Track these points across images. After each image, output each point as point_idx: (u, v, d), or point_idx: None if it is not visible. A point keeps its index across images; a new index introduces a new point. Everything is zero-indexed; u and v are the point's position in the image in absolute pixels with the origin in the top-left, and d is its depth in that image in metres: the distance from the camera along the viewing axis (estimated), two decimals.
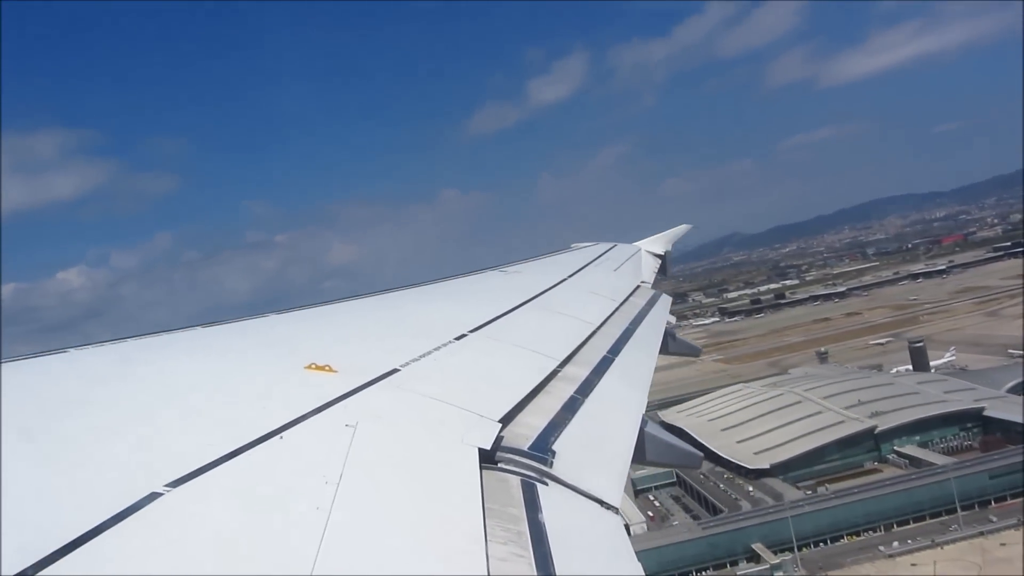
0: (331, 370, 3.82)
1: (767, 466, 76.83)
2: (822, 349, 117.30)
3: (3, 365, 3.57)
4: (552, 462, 3.37)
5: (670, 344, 7.87)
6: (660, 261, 12.82)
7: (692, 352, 8.96)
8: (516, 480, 3.05)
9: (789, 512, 64.86)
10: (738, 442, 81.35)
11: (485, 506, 2.67)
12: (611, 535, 2.93)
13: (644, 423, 4.52)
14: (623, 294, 8.61)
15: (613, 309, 7.56)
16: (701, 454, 5.67)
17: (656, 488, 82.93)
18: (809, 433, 78.88)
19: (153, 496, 2.24)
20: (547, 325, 6.34)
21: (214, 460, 2.54)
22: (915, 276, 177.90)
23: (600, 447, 3.92)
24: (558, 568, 2.38)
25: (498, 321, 5.87)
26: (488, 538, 2.43)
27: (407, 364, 4.22)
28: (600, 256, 11.48)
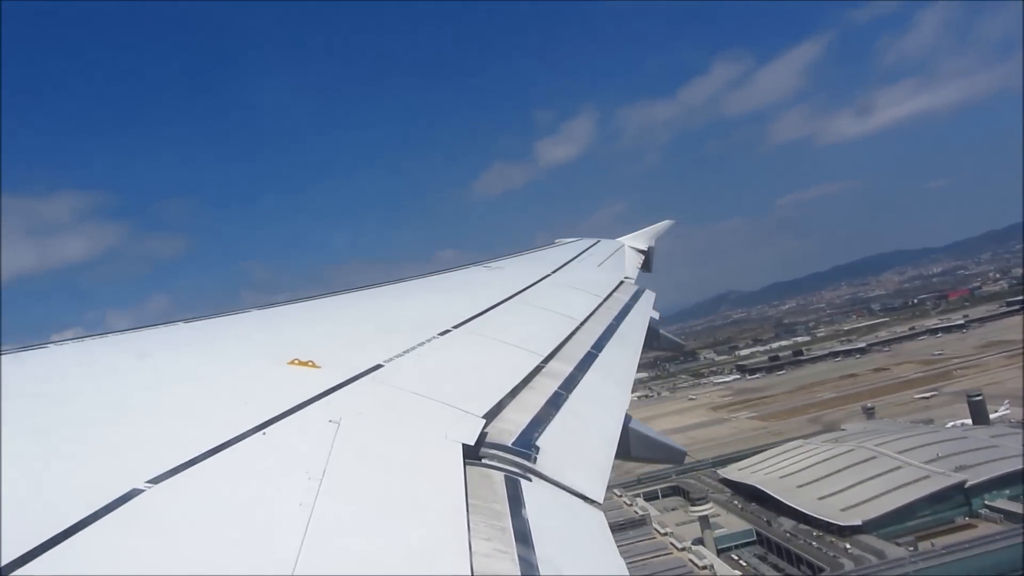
0: (314, 365, 3.80)
1: (859, 522, 74.31)
2: (868, 404, 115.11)
3: None
4: (536, 458, 3.38)
5: (654, 340, 7.89)
6: (644, 257, 12.85)
7: (677, 348, 8.99)
8: (500, 476, 3.05)
9: (902, 569, 63.06)
10: (819, 498, 79.49)
11: (469, 502, 2.67)
12: (594, 531, 2.94)
13: (627, 419, 4.53)
14: (607, 290, 8.63)
15: (597, 305, 7.57)
16: (685, 450, 5.70)
17: (737, 547, 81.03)
18: (896, 488, 77.15)
19: (134, 493, 2.22)
20: (531, 321, 6.34)
21: (196, 456, 2.52)
22: (934, 331, 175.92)
23: (584, 443, 3.93)
24: (541, 564, 2.38)
25: (482, 317, 5.86)
26: (472, 534, 2.43)
27: (391, 359, 4.21)
28: (584, 252, 11.50)
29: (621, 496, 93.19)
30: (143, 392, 3.37)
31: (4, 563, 1.80)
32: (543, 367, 4.87)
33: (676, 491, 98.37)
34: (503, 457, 3.28)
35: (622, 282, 9.53)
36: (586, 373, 5.04)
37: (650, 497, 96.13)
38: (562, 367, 4.99)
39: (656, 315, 8.49)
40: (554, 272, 9.08)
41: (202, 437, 2.69)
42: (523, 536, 2.54)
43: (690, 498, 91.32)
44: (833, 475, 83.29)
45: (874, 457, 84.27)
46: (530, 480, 3.12)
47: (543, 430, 3.76)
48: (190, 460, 2.49)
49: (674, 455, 5.59)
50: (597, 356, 5.58)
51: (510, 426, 3.69)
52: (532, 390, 4.37)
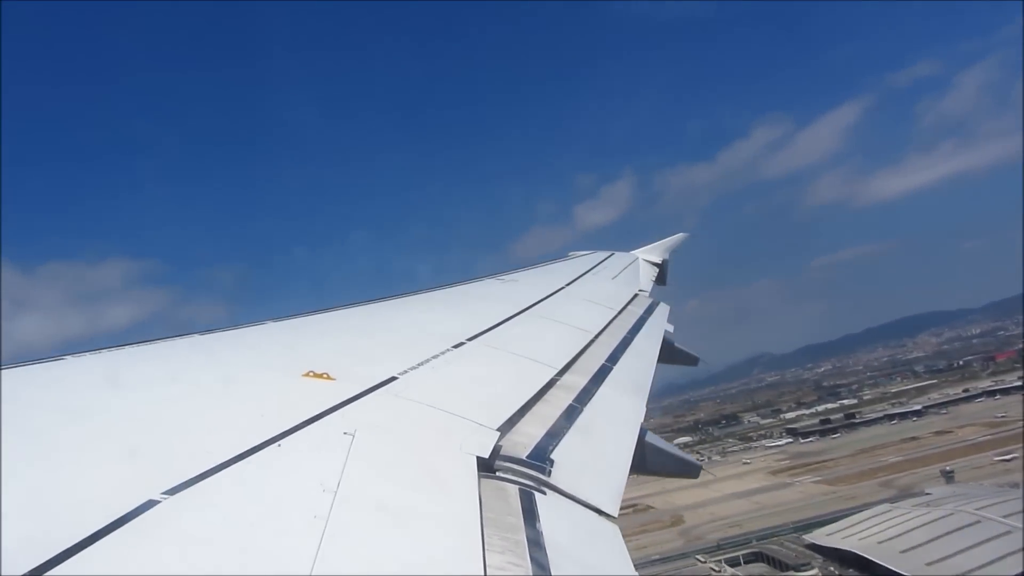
0: (329, 378, 3.81)
1: None
2: (947, 468, 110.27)
3: (0, 372, 3.56)
4: (550, 471, 3.36)
5: (668, 353, 7.85)
6: (658, 270, 12.81)
7: (690, 361, 8.94)
8: (514, 489, 3.04)
9: None
10: (928, 564, 75.30)
11: (483, 515, 2.66)
12: (609, 545, 2.92)
13: (643, 432, 4.51)
14: (621, 303, 8.61)
15: (611, 318, 7.56)
16: (700, 464, 5.66)
17: None
18: (1012, 553, 72.75)
19: (150, 504, 2.22)
20: (545, 333, 6.33)
21: (211, 468, 2.53)
22: (991, 392, 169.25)
23: (599, 456, 3.91)
24: None
25: (496, 329, 5.86)
26: (486, 547, 2.42)
27: (405, 372, 4.21)
28: (598, 265, 11.48)
29: (706, 562, 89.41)
30: (159, 403, 3.38)
31: (23, 573, 1.81)
32: (557, 380, 4.86)
33: (759, 557, 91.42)
34: (517, 470, 3.27)
35: (636, 295, 9.50)
36: (601, 386, 5.02)
37: (732, 563, 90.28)
38: (576, 380, 4.98)
39: (671, 328, 8.45)
40: (568, 285, 9.08)
41: (218, 449, 2.70)
42: (537, 549, 2.53)
43: (780, 565, 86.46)
44: (938, 540, 79.10)
45: (978, 522, 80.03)
46: (544, 493, 3.11)
47: (558, 443, 3.74)
48: (206, 472, 2.50)
49: (690, 469, 5.55)
50: (612, 369, 5.56)
51: (524, 439, 3.68)
52: (546, 403, 4.36)
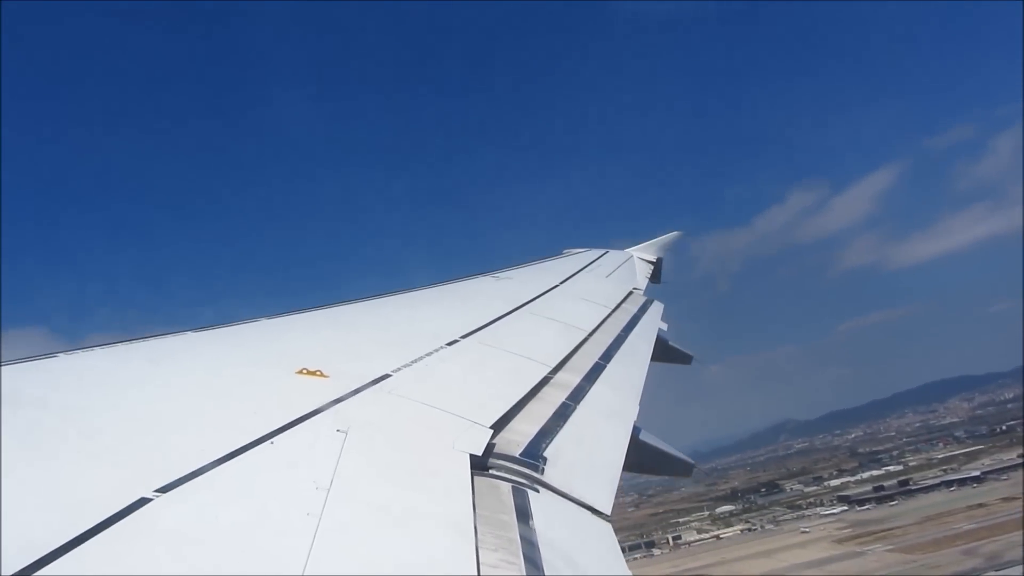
0: (322, 375, 3.81)
1: None
2: None
3: None
4: (544, 469, 3.37)
5: (662, 351, 7.87)
6: (652, 268, 12.82)
7: (684, 359, 8.96)
8: (507, 487, 3.04)
9: None
10: None
11: (476, 512, 2.66)
12: (602, 542, 2.93)
13: (636, 430, 4.52)
14: (615, 301, 8.61)
15: (605, 316, 7.56)
16: (693, 462, 5.68)
17: None
18: None
19: (142, 501, 2.22)
20: (539, 331, 6.34)
21: (204, 465, 2.53)
22: None
23: (592, 454, 3.92)
24: None
25: (490, 327, 5.86)
26: (479, 545, 2.43)
27: (398, 369, 4.21)
28: (592, 262, 11.48)
29: None
30: (152, 401, 3.37)
31: (14, 572, 1.81)
32: (551, 378, 4.86)
33: None
34: (511, 468, 3.28)
35: (631, 293, 9.51)
36: (594, 384, 5.03)
37: None
38: (570, 378, 4.99)
39: (665, 326, 8.46)
40: (563, 282, 9.08)
41: (210, 446, 2.69)
42: (530, 547, 2.54)
43: None
44: None
45: None
46: (538, 491, 3.11)
47: (551, 441, 3.75)
48: (198, 469, 2.49)
49: (683, 468, 5.57)
50: (605, 367, 5.57)
51: (518, 437, 3.69)
52: (540, 401, 4.36)
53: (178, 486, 2.37)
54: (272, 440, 2.86)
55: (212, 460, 2.57)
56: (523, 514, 2.79)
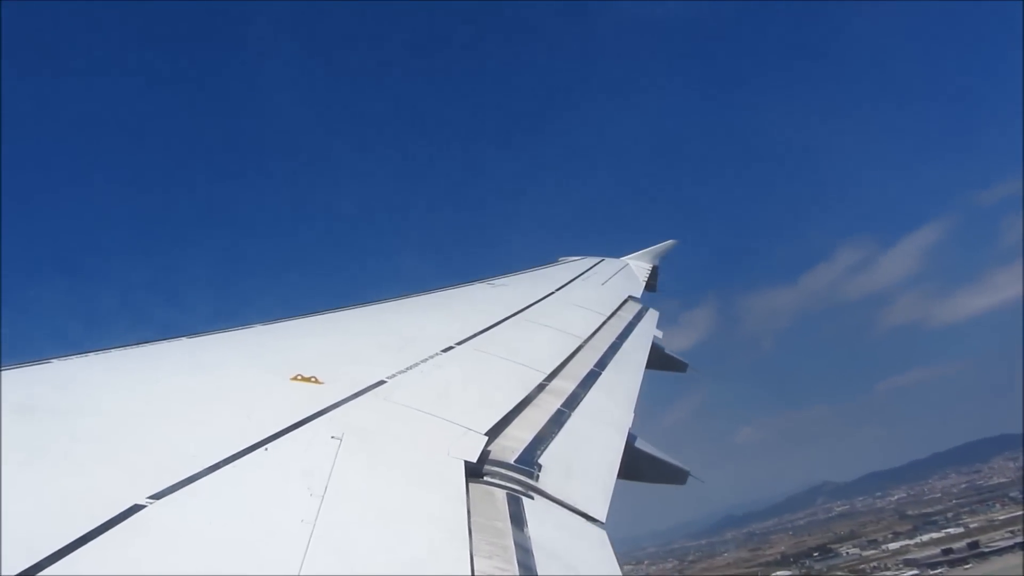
0: (317, 381, 3.80)
1: None
2: None
3: None
4: (538, 476, 3.36)
5: (657, 359, 7.87)
6: (648, 276, 12.84)
7: (679, 367, 8.96)
8: (502, 494, 3.04)
9: None
10: None
11: (471, 519, 2.66)
12: (596, 549, 2.92)
13: (632, 438, 4.52)
14: (610, 308, 8.62)
15: (600, 323, 7.57)
16: (688, 470, 5.67)
17: None
18: None
19: (135, 508, 2.21)
20: (534, 338, 6.34)
21: (198, 472, 2.52)
22: None
23: (587, 461, 3.91)
24: None
25: (485, 334, 5.86)
26: (474, 552, 2.42)
27: (393, 376, 4.21)
28: (588, 270, 11.50)
29: None
30: (145, 407, 3.36)
31: None
32: (546, 385, 4.86)
33: None
34: (506, 475, 3.27)
35: (626, 301, 9.52)
36: (589, 391, 5.03)
37: None
38: (565, 385, 4.98)
39: (659, 334, 8.47)
40: (558, 290, 9.09)
41: (204, 452, 2.68)
42: (525, 554, 2.53)
43: None
44: None
45: None
46: (532, 498, 3.11)
47: (546, 448, 3.75)
48: (192, 476, 2.48)
49: (677, 475, 5.57)
50: (600, 374, 5.57)
51: (513, 443, 3.68)
52: (535, 407, 4.36)
53: (171, 493, 2.36)
54: (266, 446, 2.85)
55: (206, 466, 2.57)
56: (518, 521, 2.79)
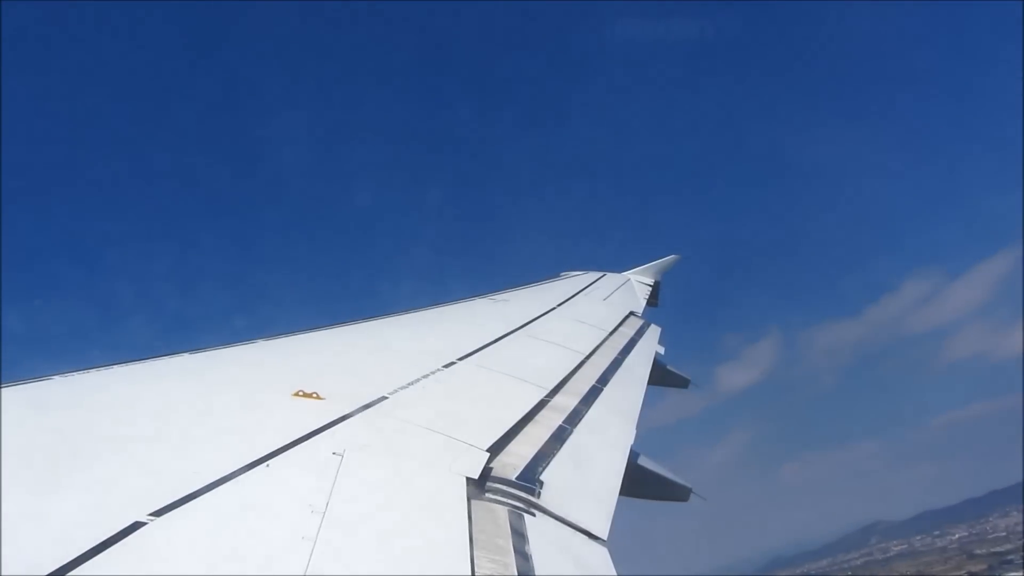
0: (318, 397, 3.80)
1: None
2: None
3: None
4: (540, 492, 3.35)
5: (659, 375, 7.86)
6: (650, 291, 12.83)
7: (681, 383, 8.94)
8: (504, 511, 3.02)
9: None
10: None
11: (472, 536, 2.65)
12: (598, 567, 2.91)
13: (635, 455, 4.50)
14: (612, 324, 8.62)
15: (602, 339, 7.56)
16: (690, 486, 5.65)
17: None
18: None
19: (136, 526, 2.21)
20: (536, 354, 6.33)
21: (199, 489, 2.51)
22: None
23: (588, 478, 3.90)
24: None
25: (487, 349, 5.86)
26: (475, 569, 2.41)
27: (395, 392, 4.20)
28: (589, 285, 11.50)
29: None
30: (146, 424, 3.36)
31: None
32: (548, 401, 4.85)
33: None
34: (507, 491, 3.26)
35: (628, 316, 9.52)
36: (591, 407, 5.01)
37: None
38: (567, 401, 4.97)
39: (661, 349, 8.46)
40: (560, 305, 9.09)
41: (205, 469, 2.68)
42: (526, 572, 2.52)
43: None
44: None
45: None
46: (534, 515, 3.09)
47: (547, 464, 3.73)
48: (193, 493, 2.48)
49: (680, 493, 5.54)
50: (602, 390, 5.56)
51: (515, 460, 3.67)
52: (537, 424, 4.35)
53: (173, 509, 2.36)
54: (268, 463, 2.85)
55: (207, 483, 2.56)
56: (519, 538, 2.78)
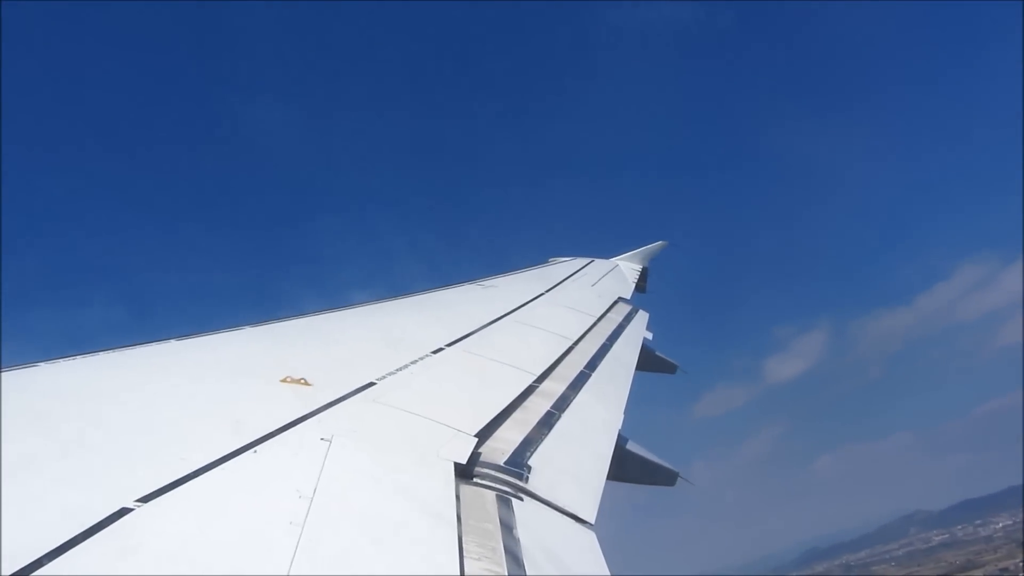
0: (306, 383, 3.79)
1: None
2: None
3: None
4: (528, 477, 3.37)
5: (647, 360, 7.89)
6: (638, 277, 12.87)
7: (668, 368, 8.99)
8: (492, 495, 3.04)
9: None
10: None
11: (461, 521, 2.66)
12: (586, 551, 2.93)
13: (623, 440, 4.53)
14: (600, 310, 8.64)
15: (590, 324, 7.58)
16: (677, 471, 5.69)
17: None
18: None
19: (123, 512, 2.20)
20: (524, 340, 6.34)
21: (186, 475, 2.51)
22: None
23: (576, 463, 3.92)
24: None
25: (475, 335, 5.86)
26: (464, 554, 2.42)
27: (383, 377, 4.20)
28: (578, 271, 11.51)
29: None
30: (133, 410, 3.35)
31: None
32: (536, 386, 4.86)
33: None
34: (495, 476, 3.28)
35: (617, 302, 9.54)
36: (579, 393, 5.03)
37: None
38: (555, 386, 4.99)
39: (650, 335, 8.49)
40: (548, 291, 9.09)
41: (192, 455, 2.67)
42: (514, 556, 2.54)
43: None
44: None
45: None
46: (522, 500, 3.11)
47: (536, 449, 3.75)
48: (180, 479, 2.48)
49: (667, 477, 5.59)
50: (590, 376, 5.58)
51: (503, 445, 3.69)
52: (525, 409, 4.36)
53: (160, 496, 2.35)
54: (255, 449, 2.85)
55: (194, 469, 2.56)
56: (507, 523, 2.79)
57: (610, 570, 2.81)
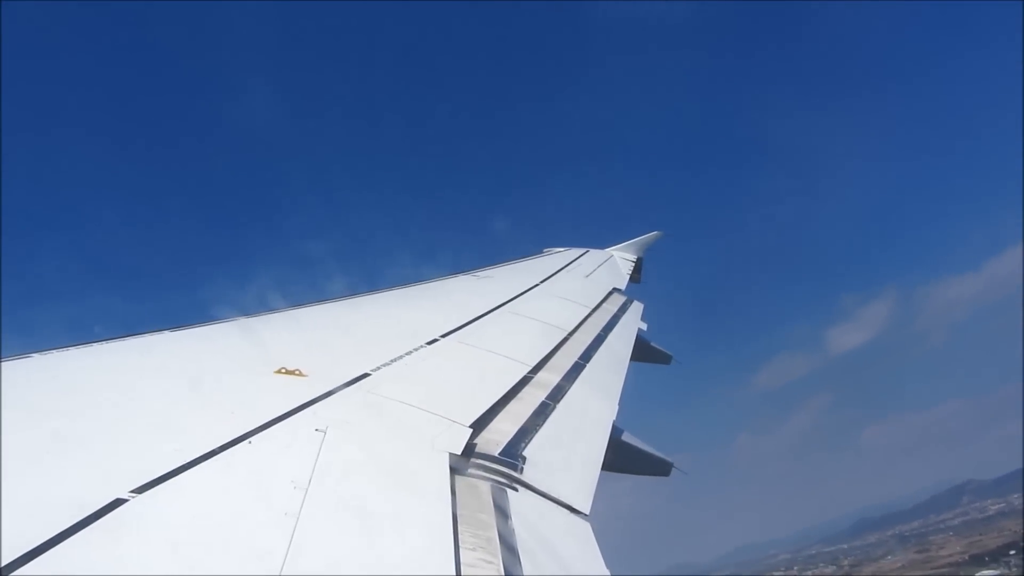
0: (301, 374, 3.79)
1: None
2: None
3: None
4: (523, 468, 3.38)
5: (642, 351, 7.90)
6: (632, 268, 12.87)
7: (663, 359, 9.00)
8: (487, 486, 3.05)
9: None
10: None
11: (455, 512, 2.67)
12: (581, 541, 2.94)
13: (618, 431, 4.54)
14: (595, 300, 8.64)
15: (585, 315, 7.58)
16: (672, 461, 5.71)
17: None
18: None
19: (118, 502, 2.20)
20: (519, 331, 6.34)
21: (181, 465, 2.51)
22: None
23: (571, 453, 3.93)
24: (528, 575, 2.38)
25: (470, 326, 5.86)
26: (458, 544, 2.43)
27: (378, 368, 4.20)
28: (573, 262, 11.51)
29: None
30: (128, 401, 3.34)
31: None
32: (531, 377, 4.87)
33: None
34: (490, 467, 3.28)
35: (611, 293, 9.54)
36: (574, 383, 5.04)
37: None
38: (550, 377, 4.99)
39: (644, 325, 8.49)
40: (543, 282, 9.09)
41: (187, 446, 2.67)
42: (509, 546, 2.54)
43: None
44: None
45: None
46: (517, 490, 3.12)
47: (530, 440, 3.76)
48: (175, 469, 2.47)
49: (661, 467, 5.60)
50: (585, 367, 5.58)
51: (497, 436, 3.69)
52: (520, 400, 4.37)
53: (154, 487, 2.35)
54: (250, 440, 2.85)
55: (189, 460, 2.56)
56: (502, 513, 2.80)
57: (606, 560, 2.82)
